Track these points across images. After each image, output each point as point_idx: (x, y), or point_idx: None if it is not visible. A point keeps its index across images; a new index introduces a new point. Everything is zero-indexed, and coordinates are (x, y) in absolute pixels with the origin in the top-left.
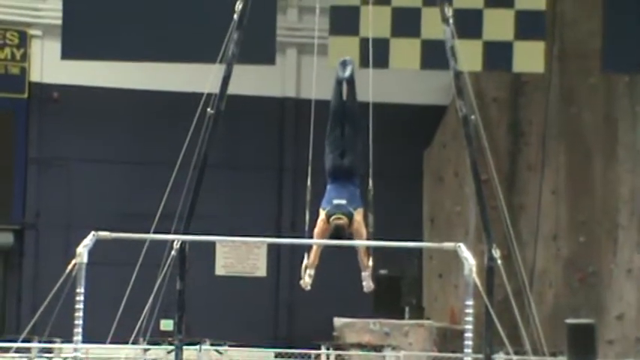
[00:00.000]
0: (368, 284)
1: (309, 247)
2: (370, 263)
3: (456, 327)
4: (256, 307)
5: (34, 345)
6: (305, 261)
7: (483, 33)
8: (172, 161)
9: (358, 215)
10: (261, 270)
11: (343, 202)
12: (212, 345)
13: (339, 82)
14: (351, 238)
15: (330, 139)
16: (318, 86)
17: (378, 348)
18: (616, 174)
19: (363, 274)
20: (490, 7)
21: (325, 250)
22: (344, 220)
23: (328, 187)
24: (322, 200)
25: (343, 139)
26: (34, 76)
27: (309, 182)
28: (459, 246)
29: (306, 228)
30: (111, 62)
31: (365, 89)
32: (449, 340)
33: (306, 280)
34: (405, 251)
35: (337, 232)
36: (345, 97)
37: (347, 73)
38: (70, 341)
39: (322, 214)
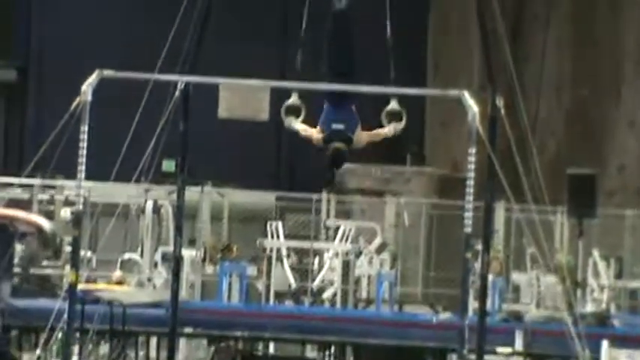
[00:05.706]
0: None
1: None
2: (386, 130)
3: (457, 175)
4: (258, 151)
5: (37, 181)
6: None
7: None
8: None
9: (356, 136)
10: (264, 113)
11: (341, 126)
12: (214, 187)
13: None
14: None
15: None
16: None
17: (379, 193)
18: (622, 23)
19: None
20: None
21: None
22: (343, 146)
23: (325, 106)
24: (320, 117)
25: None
26: None
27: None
28: (463, 93)
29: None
30: None
31: None
32: (449, 188)
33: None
34: (407, 98)
35: (336, 158)
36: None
37: None
38: (72, 179)
39: (319, 130)
